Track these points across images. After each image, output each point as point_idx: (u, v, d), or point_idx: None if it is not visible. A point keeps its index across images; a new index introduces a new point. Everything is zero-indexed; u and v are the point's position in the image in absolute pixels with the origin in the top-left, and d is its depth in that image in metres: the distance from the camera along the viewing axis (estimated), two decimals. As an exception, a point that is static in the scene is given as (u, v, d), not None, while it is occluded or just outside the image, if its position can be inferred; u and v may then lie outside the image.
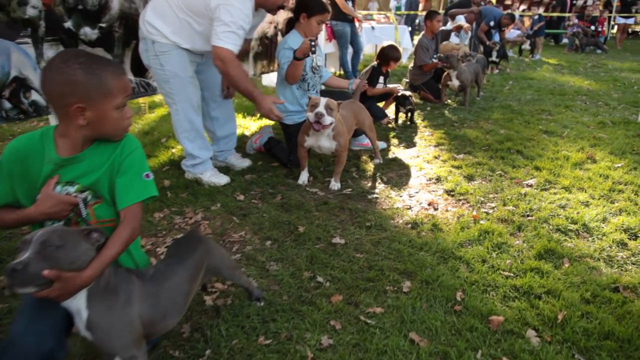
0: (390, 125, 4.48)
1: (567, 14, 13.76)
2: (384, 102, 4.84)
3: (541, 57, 10.81)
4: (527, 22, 14.32)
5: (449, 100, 5.65)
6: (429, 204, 2.72)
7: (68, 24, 2.90)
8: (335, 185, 2.96)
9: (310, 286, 1.97)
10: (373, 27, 7.75)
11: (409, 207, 2.69)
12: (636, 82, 7.23)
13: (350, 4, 6.66)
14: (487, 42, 8.16)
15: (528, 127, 4.35)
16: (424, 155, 3.55)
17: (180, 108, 2.91)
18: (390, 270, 2.04)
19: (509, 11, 12.24)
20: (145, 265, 1.52)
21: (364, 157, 3.52)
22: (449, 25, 7.62)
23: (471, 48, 7.93)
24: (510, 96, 5.95)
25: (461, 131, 4.20)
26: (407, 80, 5.95)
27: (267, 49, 4.67)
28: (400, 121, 4.58)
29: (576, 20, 12.44)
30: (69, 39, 2.90)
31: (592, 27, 12.09)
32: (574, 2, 15.69)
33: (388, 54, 4.42)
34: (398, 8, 16.90)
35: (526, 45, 10.95)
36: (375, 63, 4.59)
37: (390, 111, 4.78)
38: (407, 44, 8.52)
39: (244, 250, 2.28)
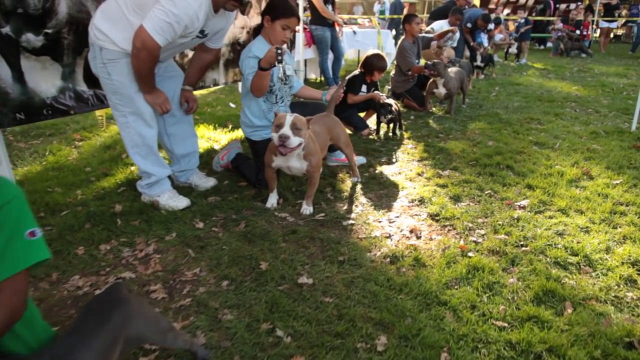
0: (371, 137, 4.18)
1: (552, 18, 13.68)
2: (365, 113, 4.54)
3: (527, 61, 10.66)
4: (512, 26, 14.22)
5: (434, 108, 5.38)
6: (411, 231, 2.41)
7: (6, 30, 2.54)
8: (306, 209, 2.64)
9: (268, 343, 1.64)
10: (355, 32, 7.47)
11: (388, 235, 2.38)
12: (624, 87, 7.06)
13: (330, 7, 6.37)
14: (472, 43, 7.94)
15: (517, 138, 4.09)
16: (406, 172, 3.25)
17: (131, 121, 2.58)
18: (364, 320, 1.72)
19: (493, 15, 12.12)
20: (49, 339, 1.18)
21: (340, 175, 3.21)
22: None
23: (457, 54, 7.70)
24: (497, 103, 5.70)
25: (447, 143, 3.92)
26: (390, 87, 5.67)
27: (239, 56, 4.35)
28: (382, 132, 4.28)
29: (560, 25, 12.34)
30: (8, 47, 2.54)
31: (577, 32, 11.99)
32: (557, 6, 15.68)
33: (373, 64, 4.13)
34: (382, 12, 16.72)
35: (513, 49, 10.79)
36: (358, 71, 4.30)
37: (372, 121, 4.48)
38: (390, 49, 8.26)
39: (195, 293, 1.94)
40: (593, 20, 12.77)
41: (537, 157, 3.53)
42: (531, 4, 19.76)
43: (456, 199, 2.79)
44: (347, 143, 2.97)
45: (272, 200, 2.74)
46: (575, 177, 3.11)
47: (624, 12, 16.39)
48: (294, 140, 2.31)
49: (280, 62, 2.43)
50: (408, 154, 3.67)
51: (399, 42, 5.50)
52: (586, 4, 15.08)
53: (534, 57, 11.56)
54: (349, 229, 2.44)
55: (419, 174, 3.20)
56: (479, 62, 8.09)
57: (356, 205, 2.73)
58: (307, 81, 7.28)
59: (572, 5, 17.39)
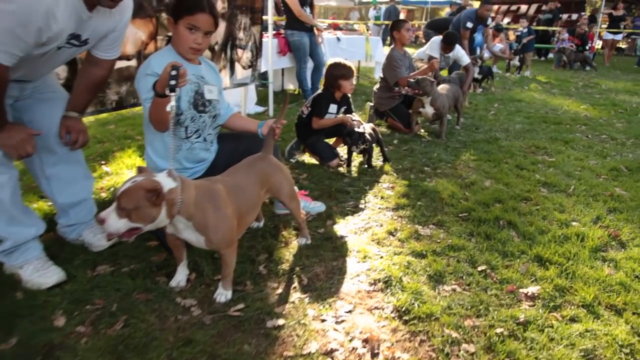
0: (341, 169, 3.38)
1: (556, 29, 12.96)
2: (335, 139, 3.75)
3: (530, 74, 9.92)
4: (512, 36, 13.51)
5: (422, 131, 4.59)
6: (365, 343, 1.61)
7: None
8: (222, 294, 1.84)
9: None
10: (339, 38, 6.69)
11: (330, 351, 1.57)
12: (638, 107, 6.30)
13: (307, 10, 5.59)
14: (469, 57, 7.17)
15: (521, 176, 3.29)
16: (374, 228, 2.44)
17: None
18: None
19: (495, 23, 11.41)
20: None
21: (285, 233, 2.39)
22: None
23: (454, 67, 6.97)
24: (497, 125, 4.92)
25: (433, 182, 3.12)
26: (372, 104, 4.88)
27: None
28: (355, 163, 3.49)
29: (566, 35, 11.62)
30: None
31: (588, 47, 11.24)
32: (560, 15, 14.94)
33: (332, 74, 3.37)
34: (377, 17, 15.96)
35: (515, 61, 10.05)
36: (321, 90, 3.53)
37: (344, 150, 3.69)
38: (380, 58, 7.49)
39: None
40: (597, 32, 12.03)
41: (547, 207, 2.74)
42: (532, 13, 19.11)
43: (437, 279, 1.99)
44: (292, 195, 2.15)
45: (180, 276, 1.94)
46: (601, 243, 2.32)
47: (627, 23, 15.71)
48: (117, 226, 1.49)
49: (172, 90, 1.62)
50: (382, 197, 2.87)
51: (388, 51, 4.72)
52: (589, 14, 14.39)
53: (535, 69, 10.82)
54: (272, 336, 1.63)
55: (390, 233, 2.39)
56: (476, 74, 7.32)
57: (295, 288, 1.92)
58: (284, 92, 6.48)
59: (574, 15, 16.72)
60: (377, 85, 4.83)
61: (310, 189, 2.92)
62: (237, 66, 4.32)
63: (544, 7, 16.83)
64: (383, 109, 4.66)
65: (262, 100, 5.51)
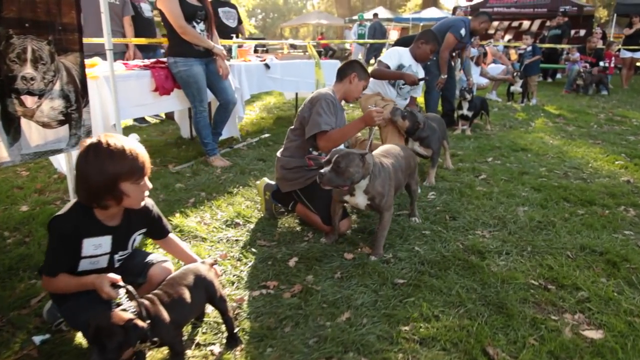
0: None
1: (565, 46, 11.06)
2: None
3: (537, 102, 7.99)
4: (514, 55, 11.61)
5: (354, 227, 2.64)
6: None
7: None
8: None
9: None
10: (267, 66, 4.78)
11: None
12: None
13: (200, 26, 3.73)
14: (444, 76, 5.25)
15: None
16: None
17: None
18: None
19: (490, 41, 9.56)
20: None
21: None
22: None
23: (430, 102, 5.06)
24: (486, 211, 2.94)
25: None
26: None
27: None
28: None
29: (577, 54, 9.71)
30: None
31: (602, 63, 9.32)
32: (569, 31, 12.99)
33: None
34: (361, 35, 14.12)
35: (517, 87, 8.12)
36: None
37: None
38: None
39: None
40: (620, 49, 10.09)
41: None
42: (536, 29, 17.28)
43: None
44: None
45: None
46: None
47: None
48: None
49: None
50: None
51: (321, 91, 2.80)
52: (599, 33, 12.49)
53: (542, 95, 8.89)
54: None
55: None
56: (465, 111, 5.40)
57: None
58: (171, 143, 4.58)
59: (582, 32, 14.86)
60: (285, 145, 2.88)
61: None
62: (28, 125, 2.44)
63: (548, 23, 15.02)
64: (287, 188, 2.72)
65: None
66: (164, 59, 3.86)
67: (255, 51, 5.83)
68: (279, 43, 13.30)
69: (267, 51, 14.27)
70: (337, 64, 6.13)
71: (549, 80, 12.36)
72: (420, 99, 5.35)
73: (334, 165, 2.09)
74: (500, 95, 8.65)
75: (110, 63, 2.95)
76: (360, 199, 2.31)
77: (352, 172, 2.11)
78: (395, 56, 3.81)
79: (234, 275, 2.17)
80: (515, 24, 18.13)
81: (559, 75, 12.60)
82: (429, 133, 3.47)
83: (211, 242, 2.50)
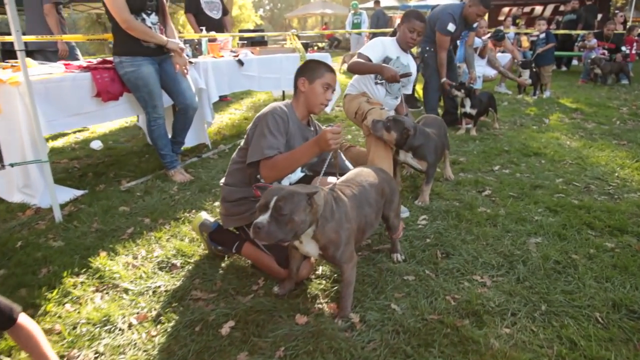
0: None
1: (581, 32, 10.26)
2: None
3: (551, 94, 7.29)
4: (526, 42, 10.82)
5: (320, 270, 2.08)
6: None
7: None
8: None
9: None
10: (241, 62, 4.20)
11: None
12: None
13: (152, 18, 3.17)
14: (444, 80, 4.64)
15: None
16: None
17: None
18: None
19: (500, 27, 8.81)
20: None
21: None
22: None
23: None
24: (489, 239, 2.35)
25: None
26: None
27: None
28: None
29: (594, 41, 8.94)
30: None
31: (623, 49, 8.55)
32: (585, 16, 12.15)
33: None
34: (357, 25, 13.23)
35: (527, 80, 7.40)
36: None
37: None
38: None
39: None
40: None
41: None
42: (549, 14, 16.36)
43: None
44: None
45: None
46: None
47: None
48: None
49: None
50: None
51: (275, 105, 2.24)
52: (621, 16, 11.63)
53: (557, 85, 8.16)
54: None
55: None
56: (467, 109, 4.78)
57: None
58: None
59: (599, 16, 13.97)
60: (228, 169, 2.30)
61: None
62: None
63: (561, 8, 14.14)
64: (232, 224, 2.15)
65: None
66: (111, 58, 3.30)
67: (254, 44, 5.32)
68: (273, 35, 12.61)
69: (266, 44, 13.56)
70: (327, 57, 5.52)
71: (564, 68, 11.56)
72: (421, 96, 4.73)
73: (273, 211, 1.51)
74: (510, 88, 7.95)
75: (22, 65, 2.41)
76: (310, 247, 1.74)
77: (297, 222, 1.53)
78: (378, 47, 3.19)
79: (143, 351, 1.62)
80: (527, 9, 17.23)
81: (574, 62, 11.79)
82: (422, 141, 2.89)
83: (133, 296, 1.96)
